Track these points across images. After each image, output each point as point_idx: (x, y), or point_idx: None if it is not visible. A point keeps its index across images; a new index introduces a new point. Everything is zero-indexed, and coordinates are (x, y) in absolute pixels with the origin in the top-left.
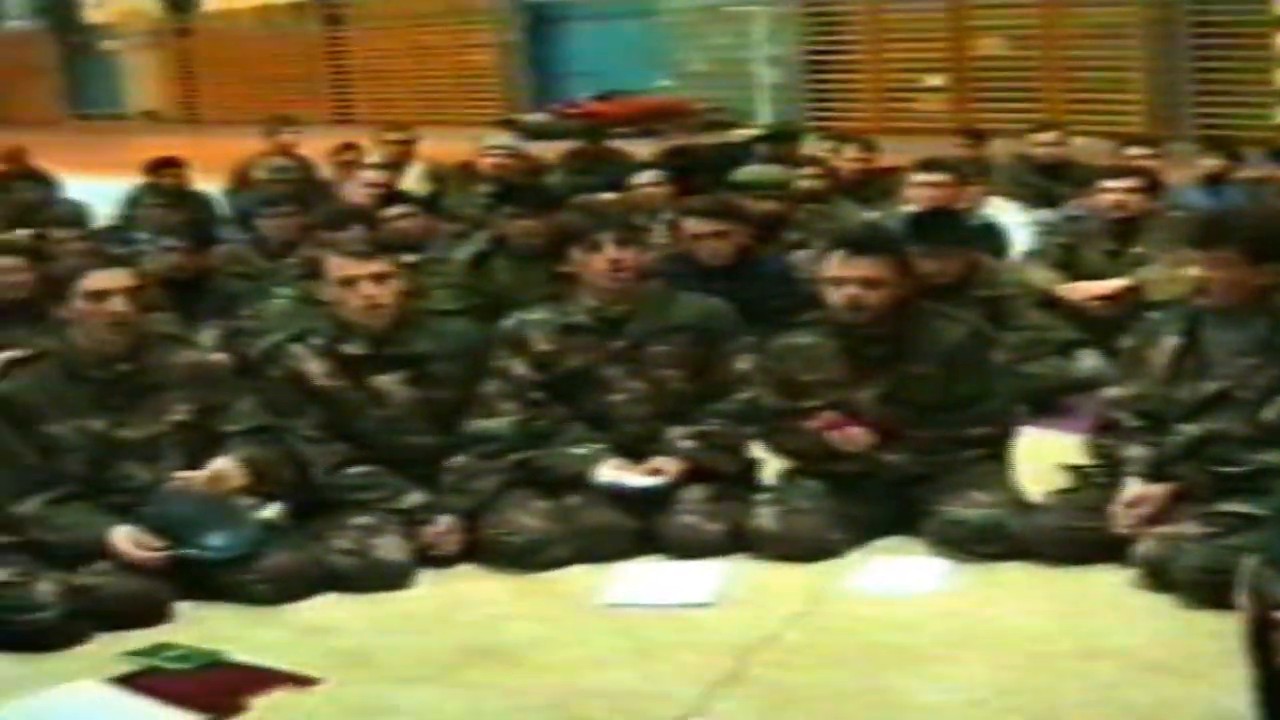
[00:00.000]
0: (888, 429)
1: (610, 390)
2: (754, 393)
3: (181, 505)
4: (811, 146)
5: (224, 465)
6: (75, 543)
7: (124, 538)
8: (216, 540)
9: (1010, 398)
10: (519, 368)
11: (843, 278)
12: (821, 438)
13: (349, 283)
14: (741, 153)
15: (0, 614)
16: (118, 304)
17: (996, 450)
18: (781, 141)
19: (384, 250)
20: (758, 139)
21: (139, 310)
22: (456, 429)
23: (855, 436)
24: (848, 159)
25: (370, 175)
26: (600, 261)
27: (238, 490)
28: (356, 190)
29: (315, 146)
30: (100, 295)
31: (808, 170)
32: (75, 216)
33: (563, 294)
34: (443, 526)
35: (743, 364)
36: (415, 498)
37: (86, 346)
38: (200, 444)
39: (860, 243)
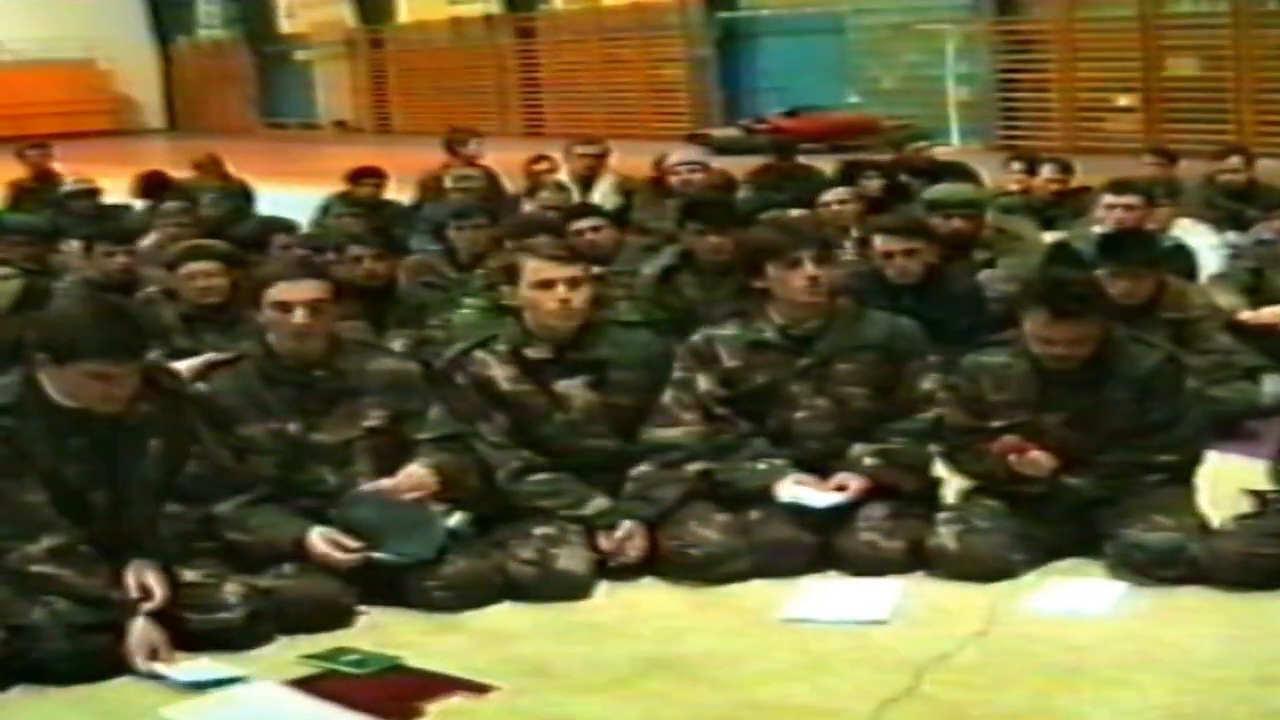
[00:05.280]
0: (1069, 454)
1: (794, 407)
2: (939, 412)
3: (369, 509)
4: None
5: (416, 471)
6: (268, 543)
7: (321, 538)
8: (403, 545)
9: (1200, 425)
10: (704, 382)
11: (1051, 339)
12: (1004, 461)
13: (546, 285)
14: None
15: (186, 613)
16: (299, 316)
17: (1181, 476)
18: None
19: (578, 258)
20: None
21: (324, 322)
22: (637, 436)
23: (1038, 460)
24: (1043, 179)
25: (547, 197)
26: (798, 278)
27: (428, 496)
28: (539, 210)
29: (506, 159)
30: (284, 306)
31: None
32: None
33: (750, 310)
34: (624, 533)
35: (928, 383)
36: (598, 504)
37: (281, 351)
38: (391, 451)
39: (1068, 309)
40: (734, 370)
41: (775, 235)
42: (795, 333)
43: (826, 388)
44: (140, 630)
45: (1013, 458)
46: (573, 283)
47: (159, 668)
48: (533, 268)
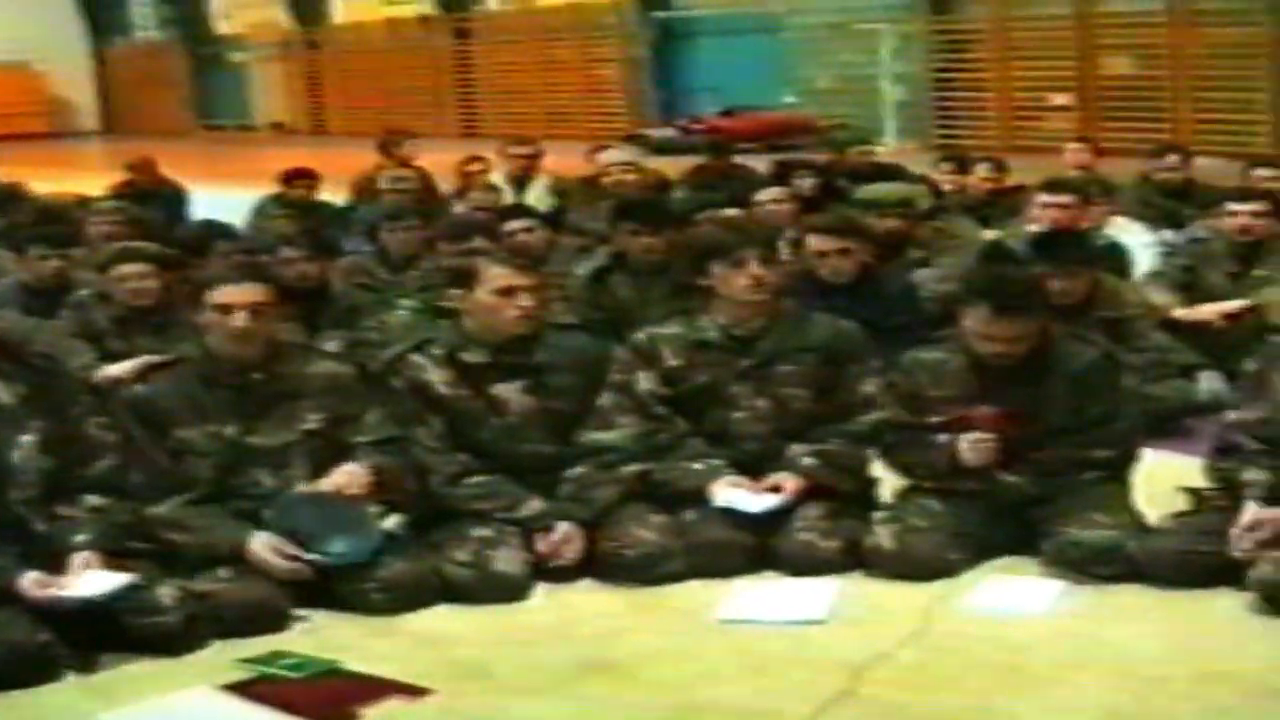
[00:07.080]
0: (1015, 427)
1: (733, 407)
2: (879, 416)
3: (305, 511)
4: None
5: (351, 470)
6: (206, 546)
7: (262, 545)
8: (339, 546)
9: (1136, 421)
10: (645, 381)
11: (991, 335)
12: (948, 449)
13: (508, 292)
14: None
15: (122, 616)
16: (240, 319)
17: (1117, 472)
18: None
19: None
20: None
21: (265, 325)
22: (574, 440)
23: (986, 447)
24: (978, 178)
25: (479, 198)
26: (743, 278)
27: (363, 496)
28: (469, 211)
29: (442, 160)
30: (225, 309)
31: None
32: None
33: (690, 309)
34: (560, 534)
35: (869, 387)
36: (534, 506)
37: (220, 354)
38: (328, 453)
39: (1010, 305)
40: (675, 369)
41: (721, 234)
42: (738, 333)
43: (767, 389)
44: (30, 576)
45: (964, 440)
46: (533, 290)
47: (53, 592)
48: (495, 274)
